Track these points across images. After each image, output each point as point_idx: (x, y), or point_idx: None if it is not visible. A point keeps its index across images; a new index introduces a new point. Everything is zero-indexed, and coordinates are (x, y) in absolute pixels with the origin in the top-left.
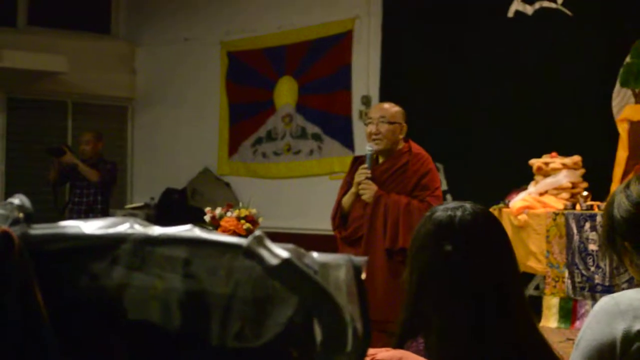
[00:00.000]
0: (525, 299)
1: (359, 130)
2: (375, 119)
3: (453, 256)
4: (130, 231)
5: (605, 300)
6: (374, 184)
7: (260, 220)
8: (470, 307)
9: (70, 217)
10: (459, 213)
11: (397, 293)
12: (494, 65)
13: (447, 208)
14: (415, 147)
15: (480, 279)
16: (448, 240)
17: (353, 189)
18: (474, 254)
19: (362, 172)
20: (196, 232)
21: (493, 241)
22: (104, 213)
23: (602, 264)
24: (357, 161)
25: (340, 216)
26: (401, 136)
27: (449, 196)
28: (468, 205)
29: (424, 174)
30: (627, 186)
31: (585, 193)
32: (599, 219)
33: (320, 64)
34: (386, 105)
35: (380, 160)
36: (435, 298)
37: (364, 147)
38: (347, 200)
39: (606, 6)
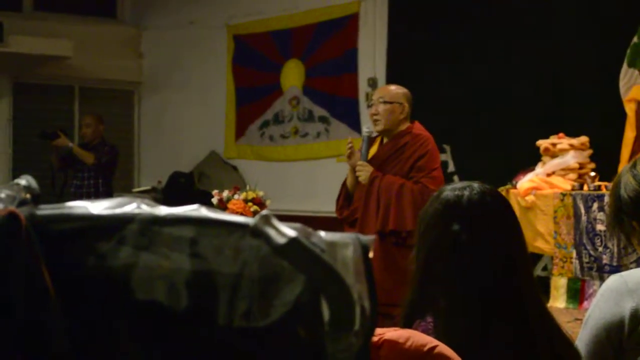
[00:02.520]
0: (533, 277)
1: (366, 113)
2: (375, 99)
3: (461, 235)
4: (137, 211)
5: (613, 279)
6: (369, 166)
7: (267, 202)
8: (478, 288)
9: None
10: (466, 192)
11: (389, 275)
12: (501, 45)
13: (455, 188)
14: (418, 129)
15: (488, 258)
16: (456, 219)
17: (350, 170)
18: (481, 233)
19: (349, 148)
20: (203, 211)
21: (501, 220)
22: (106, 197)
23: (610, 244)
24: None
25: (345, 197)
26: (402, 116)
27: (456, 177)
28: (476, 184)
29: (421, 156)
30: (634, 166)
31: (592, 174)
32: (606, 199)
33: (326, 46)
34: (388, 86)
35: (385, 141)
36: (442, 277)
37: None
38: (350, 181)
39: None
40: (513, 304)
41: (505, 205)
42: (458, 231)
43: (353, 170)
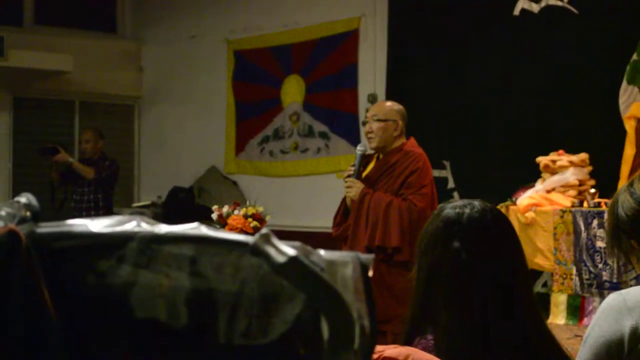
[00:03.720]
0: (533, 296)
1: None
2: (370, 117)
3: (461, 253)
4: (137, 229)
5: (612, 297)
6: (360, 183)
7: (267, 218)
8: (478, 305)
9: (72, 217)
10: (467, 210)
11: (377, 291)
12: (500, 62)
13: (456, 205)
14: (410, 145)
15: (488, 277)
16: (456, 237)
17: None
18: (482, 252)
19: (347, 171)
20: (203, 230)
21: (501, 239)
22: (107, 212)
23: (609, 261)
24: (365, 159)
25: (344, 213)
26: (396, 134)
27: (455, 194)
28: (476, 202)
29: (411, 172)
30: (631, 184)
31: (592, 190)
32: (606, 216)
33: (326, 62)
34: (383, 103)
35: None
36: (443, 295)
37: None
38: (348, 198)
39: (612, 4)
40: (513, 321)
41: (505, 223)
42: (458, 249)
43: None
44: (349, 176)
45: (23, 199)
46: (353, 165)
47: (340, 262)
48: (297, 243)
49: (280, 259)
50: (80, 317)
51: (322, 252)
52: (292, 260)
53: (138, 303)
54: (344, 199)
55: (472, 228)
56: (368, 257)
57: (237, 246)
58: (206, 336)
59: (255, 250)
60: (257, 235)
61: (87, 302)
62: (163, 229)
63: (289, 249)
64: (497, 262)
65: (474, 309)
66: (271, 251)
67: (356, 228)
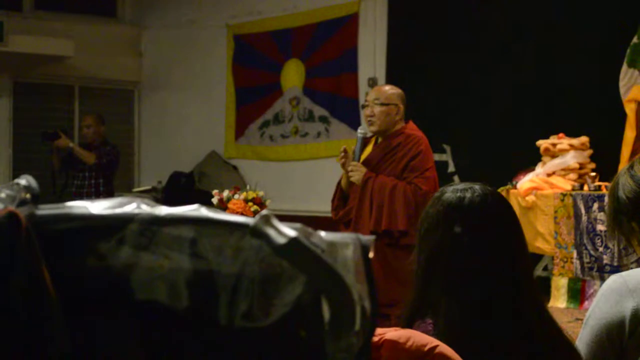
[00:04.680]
0: (533, 280)
1: None
2: (370, 101)
3: (462, 237)
4: (137, 211)
5: (613, 279)
6: (363, 167)
7: (267, 202)
8: (479, 289)
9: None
10: (468, 194)
11: (382, 275)
12: (501, 45)
13: (457, 189)
14: (411, 129)
15: (489, 261)
16: (457, 221)
17: (344, 173)
18: (482, 236)
19: (343, 156)
20: (203, 211)
21: (502, 222)
22: (107, 197)
23: (610, 244)
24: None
25: (340, 197)
26: (397, 117)
27: (456, 177)
28: (477, 186)
29: (414, 156)
30: (632, 167)
31: (593, 174)
32: (606, 199)
33: (326, 46)
34: (382, 87)
35: (380, 141)
36: (443, 279)
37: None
38: (344, 182)
39: None
40: (512, 306)
41: (506, 207)
42: (459, 233)
43: (347, 173)
44: (342, 158)
45: (23, 181)
46: (343, 152)
47: (341, 243)
48: (297, 225)
49: (281, 240)
50: (81, 299)
51: (322, 233)
52: (293, 241)
53: (138, 285)
54: (339, 183)
55: (473, 212)
56: (369, 238)
57: (237, 228)
58: (207, 318)
59: (255, 232)
60: (257, 217)
61: (88, 284)
62: (163, 210)
63: (289, 230)
64: (499, 246)
65: (474, 293)
66: (271, 232)
67: (360, 212)
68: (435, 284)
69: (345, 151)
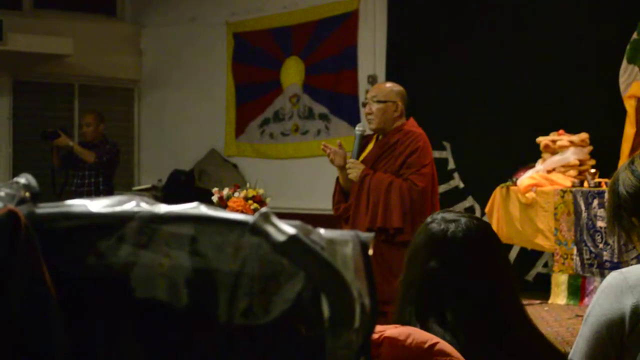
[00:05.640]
0: (522, 308)
1: None
2: (369, 98)
3: (437, 271)
4: (136, 209)
5: (613, 276)
6: (360, 164)
7: (267, 200)
8: (454, 324)
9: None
10: (452, 227)
11: (379, 272)
12: (500, 43)
13: (444, 219)
14: (410, 125)
15: (465, 294)
16: (435, 254)
17: (338, 170)
18: (460, 271)
19: (329, 152)
20: (202, 209)
21: (483, 258)
22: (107, 195)
23: (610, 241)
24: (364, 140)
25: (340, 193)
26: (396, 114)
27: (456, 174)
28: (464, 219)
29: (411, 152)
30: (632, 162)
31: (592, 170)
32: (606, 196)
33: (326, 43)
34: (382, 84)
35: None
36: (416, 308)
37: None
38: (341, 179)
39: None
40: (492, 346)
41: (490, 244)
42: (435, 268)
43: (341, 169)
44: (329, 154)
45: (22, 179)
46: (325, 147)
47: (340, 240)
48: (297, 222)
49: (280, 237)
50: (81, 297)
51: (322, 230)
52: (292, 238)
53: (138, 283)
54: (337, 179)
55: (453, 247)
56: (368, 235)
57: (237, 225)
58: (207, 315)
59: (255, 229)
60: (257, 214)
61: (88, 282)
62: (163, 208)
63: (288, 228)
64: (476, 281)
65: (448, 327)
66: (271, 230)
67: (357, 209)
68: (410, 310)
69: (328, 148)
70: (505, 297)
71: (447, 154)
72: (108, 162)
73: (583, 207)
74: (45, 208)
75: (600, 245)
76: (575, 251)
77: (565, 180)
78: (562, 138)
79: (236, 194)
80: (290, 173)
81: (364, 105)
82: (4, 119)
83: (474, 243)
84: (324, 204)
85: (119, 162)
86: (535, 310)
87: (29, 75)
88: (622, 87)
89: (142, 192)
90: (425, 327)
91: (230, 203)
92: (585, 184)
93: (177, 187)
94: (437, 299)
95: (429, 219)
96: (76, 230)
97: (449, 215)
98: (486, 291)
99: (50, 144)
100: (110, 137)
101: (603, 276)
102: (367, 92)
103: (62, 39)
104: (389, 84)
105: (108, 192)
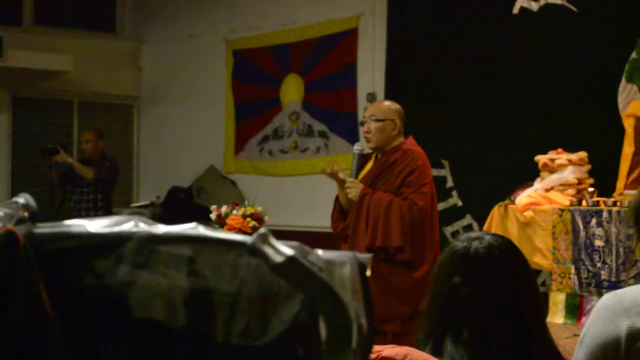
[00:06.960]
0: (546, 329)
1: None
2: (367, 117)
3: (461, 288)
4: (134, 229)
5: (607, 297)
6: (360, 183)
7: (266, 218)
8: (479, 340)
9: (71, 217)
10: (474, 244)
11: (378, 291)
12: (499, 61)
13: (468, 237)
14: (409, 144)
15: (488, 315)
16: (459, 271)
17: (339, 188)
18: (483, 288)
19: (330, 169)
20: (200, 230)
21: (507, 275)
22: (106, 212)
23: (608, 260)
24: (362, 159)
25: (339, 211)
26: (394, 133)
27: (454, 192)
28: (488, 236)
29: (410, 171)
30: None
31: (591, 189)
32: (605, 215)
33: (325, 61)
34: (380, 102)
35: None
36: (434, 324)
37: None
38: (342, 197)
39: (611, 2)
40: (521, 353)
41: (514, 262)
42: (459, 284)
43: (342, 187)
44: (331, 174)
45: (21, 199)
46: (324, 170)
47: (338, 261)
48: (295, 243)
49: (278, 258)
50: (79, 318)
51: (320, 251)
52: (290, 260)
53: (136, 303)
54: (337, 197)
55: (475, 263)
56: (366, 256)
57: (235, 246)
58: (204, 336)
59: (253, 250)
60: (255, 235)
61: (86, 302)
62: (161, 229)
63: (286, 249)
64: (500, 299)
65: (472, 345)
66: (269, 251)
67: (356, 228)
68: (433, 328)
69: (328, 168)
70: (528, 315)
71: (445, 172)
72: (107, 179)
73: (581, 226)
74: (44, 228)
75: (598, 264)
76: (573, 270)
77: (563, 199)
78: (560, 157)
79: (234, 212)
80: (289, 190)
81: (362, 124)
82: (3, 135)
83: (497, 259)
84: (323, 221)
85: (117, 178)
86: None
87: (28, 92)
88: (620, 105)
89: (140, 209)
90: (439, 344)
91: (228, 220)
92: (584, 202)
93: (175, 204)
94: (456, 315)
95: (452, 240)
96: (74, 251)
97: (473, 234)
98: (509, 308)
99: (49, 160)
100: (110, 153)
101: (601, 295)
102: (365, 110)
103: (62, 56)
104: (386, 102)
105: (106, 208)
